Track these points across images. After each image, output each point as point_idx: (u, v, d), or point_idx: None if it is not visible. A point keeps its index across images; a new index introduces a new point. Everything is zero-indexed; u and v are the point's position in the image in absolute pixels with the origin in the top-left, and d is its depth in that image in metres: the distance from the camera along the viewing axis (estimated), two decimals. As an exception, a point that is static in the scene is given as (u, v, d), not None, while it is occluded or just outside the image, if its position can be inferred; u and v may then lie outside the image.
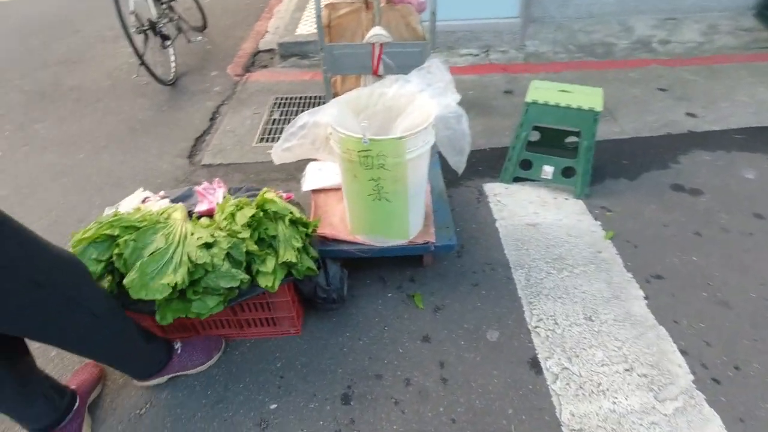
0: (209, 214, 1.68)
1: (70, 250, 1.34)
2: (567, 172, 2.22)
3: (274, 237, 1.49)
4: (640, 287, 1.78)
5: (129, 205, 1.76)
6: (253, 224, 1.43)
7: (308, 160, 1.90)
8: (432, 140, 1.48)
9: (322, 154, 1.56)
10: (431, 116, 1.43)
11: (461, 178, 2.36)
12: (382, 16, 2.13)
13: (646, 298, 1.74)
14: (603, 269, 1.86)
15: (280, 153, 1.44)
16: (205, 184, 1.80)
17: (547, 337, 1.62)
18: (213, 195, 1.77)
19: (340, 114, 1.44)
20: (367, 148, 1.35)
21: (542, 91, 2.15)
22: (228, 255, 1.39)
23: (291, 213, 1.54)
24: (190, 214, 1.68)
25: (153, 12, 3.23)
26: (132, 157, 2.68)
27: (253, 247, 1.40)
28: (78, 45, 4.12)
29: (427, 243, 1.68)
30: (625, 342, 1.59)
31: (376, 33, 2.05)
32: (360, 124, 1.32)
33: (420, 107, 1.49)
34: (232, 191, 1.86)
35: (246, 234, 1.40)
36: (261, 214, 1.47)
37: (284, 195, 1.78)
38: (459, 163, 1.56)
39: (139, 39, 3.11)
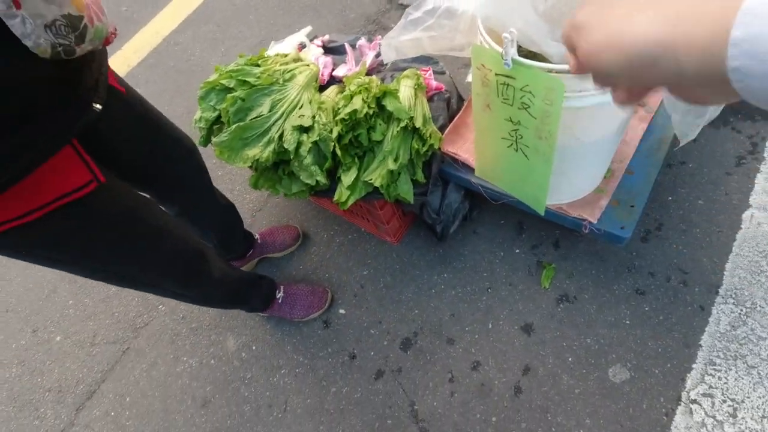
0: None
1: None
2: None
3: (378, 143, 1.21)
4: None
5: (288, 45, 1.66)
6: (349, 123, 1.17)
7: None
8: (640, 80, 0.82)
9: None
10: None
11: (729, 113, 1.44)
12: None
13: None
14: None
15: (396, 45, 1.02)
16: (363, 40, 1.54)
17: (703, 425, 1.05)
18: (364, 57, 1.52)
19: (502, -3, 0.89)
20: (509, 74, 0.83)
21: None
22: (316, 146, 1.21)
23: (410, 119, 1.20)
24: (332, 75, 1.50)
25: None
26: (340, -20, 2.49)
27: (338, 151, 1.17)
28: None
29: (583, 219, 1.13)
30: None
31: None
32: (508, 31, 0.77)
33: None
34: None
35: (336, 132, 1.17)
36: (370, 110, 1.18)
37: (433, 84, 1.40)
38: (687, 130, 0.88)
39: None
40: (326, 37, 1.63)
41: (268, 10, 2.52)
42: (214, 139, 1.24)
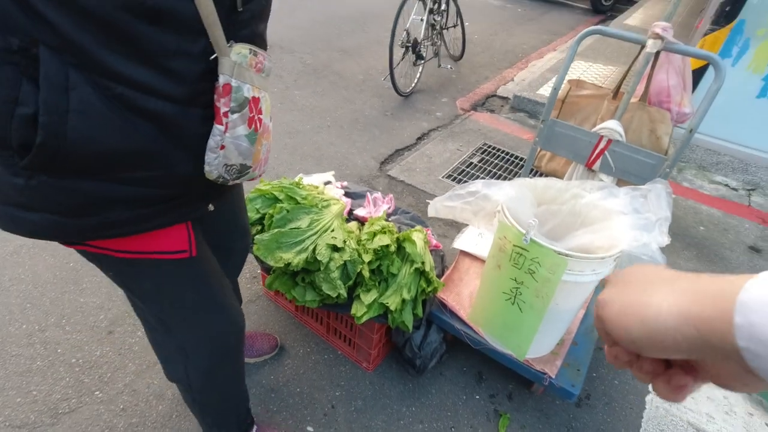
0: (363, 221, 1.76)
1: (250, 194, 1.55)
2: (787, 395, 1.60)
3: (393, 275, 1.46)
4: None
5: (316, 180, 1.96)
6: (379, 254, 1.43)
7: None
8: (604, 273, 1.22)
9: (482, 225, 1.45)
10: (617, 248, 1.18)
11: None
12: (628, 112, 1.88)
13: None
14: None
15: (438, 207, 1.39)
16: (378, 194, 1.89)
17: None
18: (377, 207, 1.85)
19: (518, 197, 1.31)
20: (525, 247, 1.19)
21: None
22: (344, 266, 1.42)
23: (422, 263, 1.48)
24: (350, 213, 1.79)
25: (421, 34, 3.57)
26: (340, 143, 3.02)
27: (366, 274, 1.39)
28: (360, 41, 4.84)
29: (544, 373, 1.41)
30: None
31: (610, 127, 1.82)
32: (530, 219, 1.17)
33: (610, 230, 1.25)
34: (398, 212, 1.91)
35: (367, 258, 1.41)
36: (393, 248, 1.46)
37: (433, 241, 1.74)
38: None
39: (399, 52, 3.47)
40: (345, 183, 1.99)
41: (274, 147, 2.91)
42: (256, 237, 1.41)
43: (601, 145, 1.86)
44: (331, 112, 3.40)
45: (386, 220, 1.82)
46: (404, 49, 3.50)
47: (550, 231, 1.42)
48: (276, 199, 1.54)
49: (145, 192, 0.75)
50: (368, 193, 1.86)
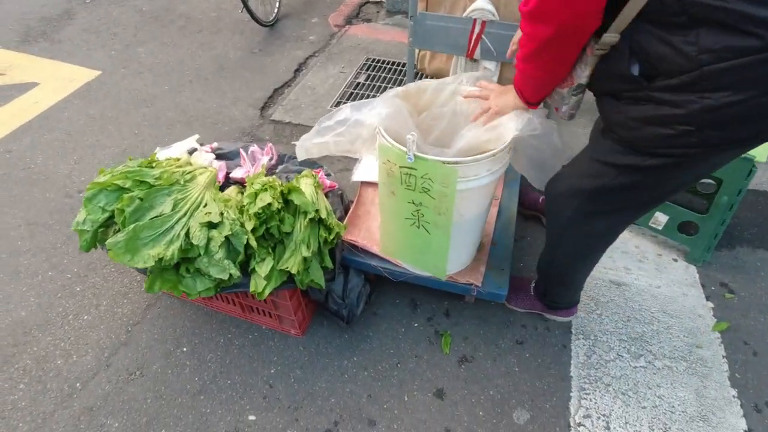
0: (243, 182, 1.53)
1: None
2: (686, 227, 1.71)
3: (288, 234, 1.29)
4: (743, 414, 1.32)
5: (178, 150, 1.66)
6: (262, 217, 1.24)
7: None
8: (501, 169, 1.13)
9: (365, 152, 1.29)
10: (506, 139, 1.08)
11: (544, 201, 1.95)
12: (494, -14, 1.71)
13: (748, 432, 1.28)
14: (697, 373, 1.41)
15: (308, 146, 1.20)
16: (256, 147, 1.65)
17: (591, 443, 1.26)
18: (255, 162, 1.62)
19: (392, 113, 1.15)
20: (411, 166, 1.06)
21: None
22: (227, 241, 1.22)
23: (316, 212, 1.32)
24: (227, 177, 1.55)
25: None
26: (209, 98, 2.63)
27: (254, 243, 1.22)
28: (200, -30, 4.13)
29: (470, 284, 1.37)
30: (697, 485, 1.18)
31: (480, 7, 1.66)
32: (409, 134, 1.02)
33: (496, 121, 1.14)
34: (285, 159, 1.69)
35: (250, 225, 1.22)
36: (279, 205, 1.27)
37: (327, 182, 1.57)
38: (542, 181, 1.20)
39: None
40: (215, 144, 1.71)
41: (130, 122, 2.47)
42: (108, 241, 1.15)
43: (477, 30, 1.70)
44: (189, 64, 2.93)
45: (271, 173, 1.61)
46: (252, -31, 3.00)
47: (438, 138, 1.29)
48: (122, 189, 1.26)
49: None
50: (241, 150, 1.61)
